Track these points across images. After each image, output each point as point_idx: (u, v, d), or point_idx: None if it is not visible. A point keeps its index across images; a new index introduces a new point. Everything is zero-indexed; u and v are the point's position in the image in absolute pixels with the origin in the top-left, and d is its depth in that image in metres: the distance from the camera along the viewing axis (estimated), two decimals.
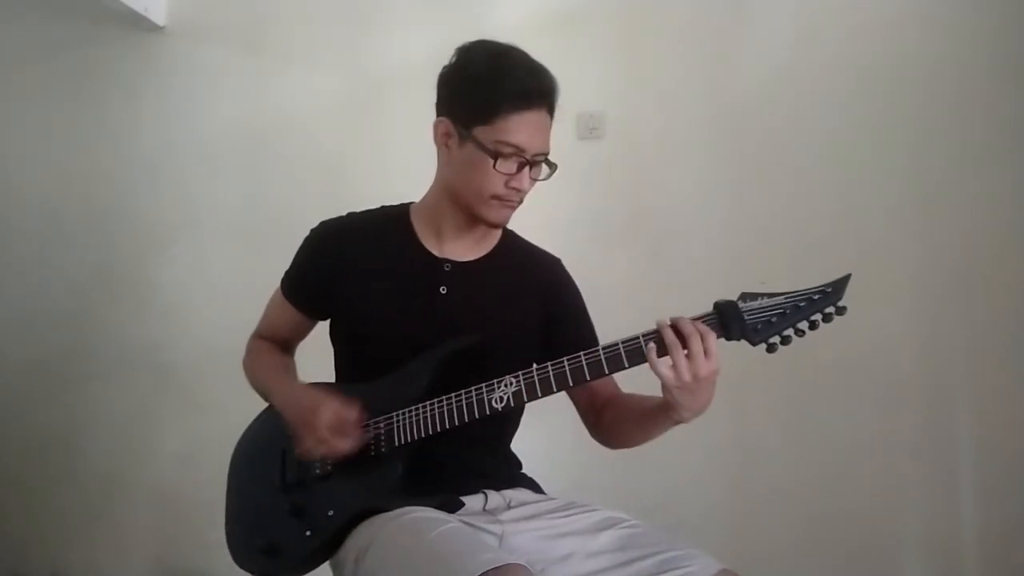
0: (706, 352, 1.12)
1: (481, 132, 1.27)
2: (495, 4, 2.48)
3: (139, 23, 2.63)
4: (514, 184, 1.29)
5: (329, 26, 2.62)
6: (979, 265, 2.21)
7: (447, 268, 1.39)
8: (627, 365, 1.17)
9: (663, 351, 1.14)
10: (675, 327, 1.14)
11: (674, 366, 1.13)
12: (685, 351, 1.12)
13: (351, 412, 1.29)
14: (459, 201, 1.35)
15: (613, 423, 1.39)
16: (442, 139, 1.34)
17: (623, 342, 1.18)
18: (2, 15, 2.80)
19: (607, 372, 1.19)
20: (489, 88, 1.26)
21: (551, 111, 1.31)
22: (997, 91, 2.22)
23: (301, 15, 2.64)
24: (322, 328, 1.51)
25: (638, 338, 1.17)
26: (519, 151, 1.27)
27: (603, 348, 1.19)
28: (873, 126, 2.29)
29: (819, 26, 2.33)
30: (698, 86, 2.39)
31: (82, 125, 2.75)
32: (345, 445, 1.28)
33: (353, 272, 1.40)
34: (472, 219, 1.37)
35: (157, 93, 2.71)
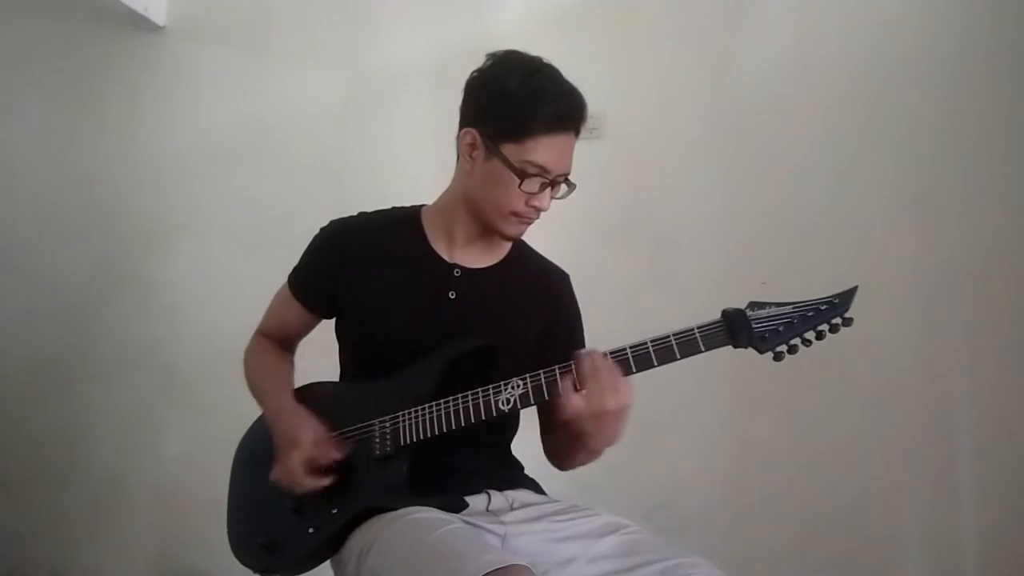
0: (615, 388, 1.17)
1: (509, 150, 1.28)
2: (495, 4, 2.47)
3: (139, 23, 2.63)
4: (535, 203, 1.31)
5: (329, 26, 2.62)
6: (978, 264, 2.21)
7: (457, 274, 1.40)
8: (635, 370, 1.19)
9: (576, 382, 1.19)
10: (591, 360, 1.18)
11: (586, 397, 1.17)
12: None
13: (326, 454, 1.31)
14: (477, 212, 1.36)
15: (560, 444, 1.40)
16: (467, 149, 1.34)
17: (631, 347, 1.19)
18: (2, 15, 2.80)
19: None
20: (523, 107, 1.27)
21: (578, 133, 1.34)
22: (996, 89, 2.22)
23: (301, 15, 2.64)
24: (324, 329, 1.52)
25: (646, 343, 1.18)
26: (544, 172, 1.29)
27: (611, 353, 1.20)
28: (873, 125, 2.29)
29: (819, 26, 2.33)
30: (698, 86, 2.40)
31: (82, 125, 2.75)
32: (309, 486, 1.31)
33: (362, 272, 1.40)
34: (486, 229, 1.38)
35: (157, 93, 2.71)
